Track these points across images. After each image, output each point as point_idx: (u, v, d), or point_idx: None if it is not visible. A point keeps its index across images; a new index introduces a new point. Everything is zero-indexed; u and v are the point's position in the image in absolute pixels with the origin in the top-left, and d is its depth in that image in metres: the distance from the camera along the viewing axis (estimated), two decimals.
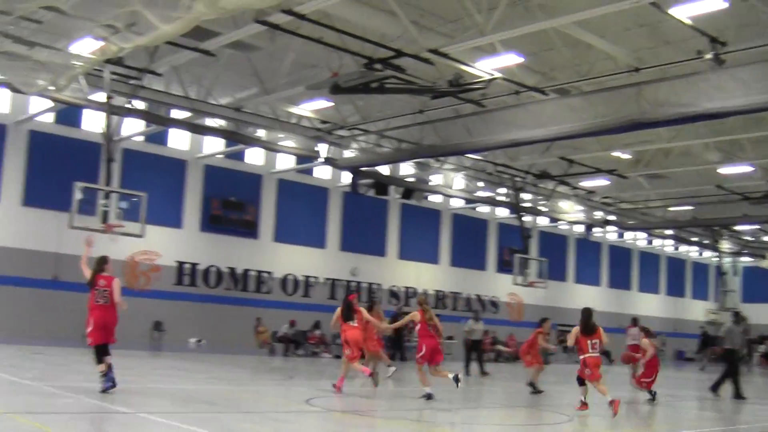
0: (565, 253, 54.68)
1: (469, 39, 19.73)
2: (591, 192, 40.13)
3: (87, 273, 15.10)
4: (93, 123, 27.83)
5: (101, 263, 15.22)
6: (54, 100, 27.56)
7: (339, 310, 18.13)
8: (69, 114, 33.01)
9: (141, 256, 35.48)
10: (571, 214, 44.42)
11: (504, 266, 48.67)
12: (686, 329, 60.74)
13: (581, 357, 16.43)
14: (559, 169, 34.69)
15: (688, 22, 18.47)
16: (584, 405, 16.30)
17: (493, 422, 15.64)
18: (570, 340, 16.67)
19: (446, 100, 25.16)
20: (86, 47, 19.48)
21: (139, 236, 25.45)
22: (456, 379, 16.74)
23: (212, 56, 23.43)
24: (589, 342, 16.37)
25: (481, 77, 22.16)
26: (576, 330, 16.58)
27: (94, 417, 11.94)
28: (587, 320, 16.72)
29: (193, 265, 37.40)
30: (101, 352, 14.44)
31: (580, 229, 49.56)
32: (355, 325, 17.98)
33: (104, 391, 14.02)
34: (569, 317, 52.01)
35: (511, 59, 21.13)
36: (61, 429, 10.19)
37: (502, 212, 48.57)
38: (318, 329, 34.96)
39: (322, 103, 27.29)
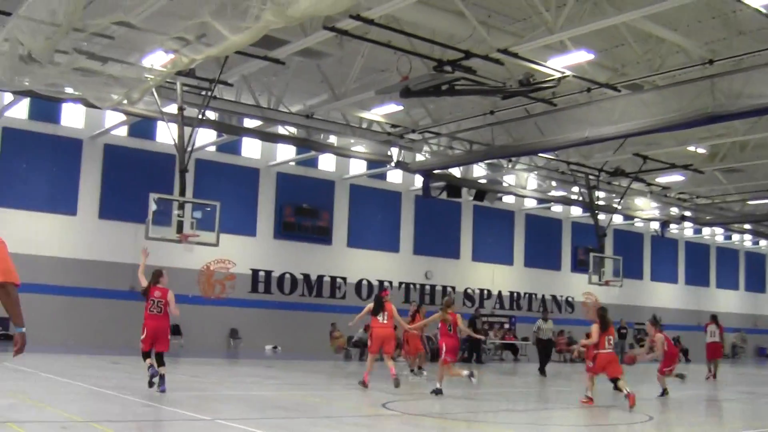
0: (641, 251, 53.92)
1: (538, 37, 19.56)
2: (666, 188, 39.56)
3: (143, 282, 16.18)
4: (166, 135, 28.18)
5: (157, 276, 16.19)
6: (127, 113, 28.00)
7: (370, 305, 19.16)
8: (142, 127, 33.58)
9: (216, 264, 35.90)
10: (646, 211, 43.83)
11: (579, 266, 48.18)
12: (767, 326, 59.56)
13: (596, 352, 17.33)
14: (633, 165, 34.23)
15: (764, 10, 18.08)
16: (589, 400, 17.12)
17: (570, 423, 15.49)
18: (594, 337, 17.30)
19: (517, 99, 24.99)
20: (158, 60, 19.72)
21: (214, 245, 25.68)
22: (471, 375, 17.79)
23: (282, 64, 23.57)
24: (606, 338, 17.19)
25: (551, 75, 21.96)
26: (597, 328, 17.32)
27: (171, 425, 12.07)
28: (604, 318, 17.52)
29: (268, 272, 37.70)
30: (147, 356, 15.70)
31: (655, 226, 48.72)
32: (384, 322, 18.78)
33: (151, 378, 15.27)
34: (646, 316, 51.31)
35: (581, 56, 20.88)
36: None
37: (576, 211, 48.17)
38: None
39: (393, 107, 27.28)
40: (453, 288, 43.50)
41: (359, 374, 23.95)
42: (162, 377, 15.43)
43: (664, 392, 19.72)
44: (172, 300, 15.99)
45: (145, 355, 15.72)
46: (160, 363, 15.60)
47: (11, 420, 10.95)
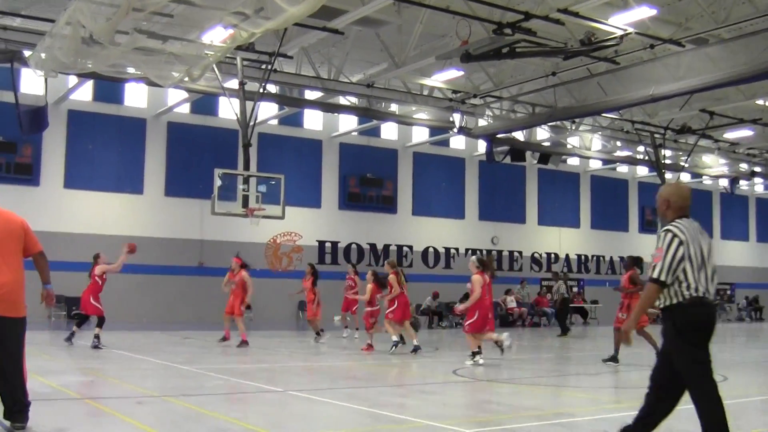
0: (710, 209, 52.99)
1: None
2: (734, 144, 38.83)
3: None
4: (228, 110, 28.33)
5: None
6: (189, 90, 28.22)
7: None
8: (204, 103, 33.82)
9: (282, 237, 36.11)
10: (714, 168, 43.14)
11: (646, 226, 47.64)
12: None
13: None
14: (700, 122, 33.65)
15: None
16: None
17: (644, 385, 15.31)
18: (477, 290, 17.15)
19: (579, 60, 24.67)
20: (217, 36, 19.73)
21: (280, 218, 25.78)
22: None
23: (341, 34, 23.52)
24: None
25: (613, 34, 21.61)
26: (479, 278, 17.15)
27: (244, 397, 12.17)
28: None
29: (334, 243, 37.83)
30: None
31: (724, 183, 47.99)
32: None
33: None
34: (718, 275, 50.58)
35: (643, 12, 20.44)
36: (214, 409, 10.40)
37: (642, 171, 47.54)
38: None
39: (454, 73, 27.06)
40: (520, 253, 43.27)
41: (428, 342, 23.99)
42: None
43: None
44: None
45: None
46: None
47: (89, 396, 11.13)
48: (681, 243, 6.66)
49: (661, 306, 6.80)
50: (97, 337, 19.11)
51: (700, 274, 6.68)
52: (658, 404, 6.95)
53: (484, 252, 41.22)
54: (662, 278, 6.62)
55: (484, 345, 17.21)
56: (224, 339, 21.63)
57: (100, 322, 19.53)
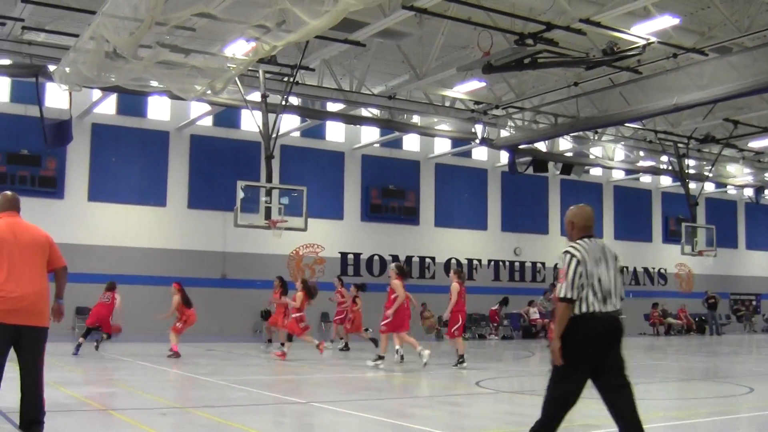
0: (735, 219, 52.60)
1: (621, 4, 19.17)
2: (759, 153, 38.53)
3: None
4: (250, 122, 28.45)
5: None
6: (212, 103, 28.32)
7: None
8: (227, 116, 33.93)
9: (305, 249, 36.16)
10: (739, 177, 42.84)
11: (670, 236, 47.30)
12: None
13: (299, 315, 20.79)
14: (723, 131, 33.47)
15: None
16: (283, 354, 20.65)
17: (670, 396, 15.24)
18: (297, 302, 20.97)
19: (601, 69, 24.57)
20: (239, 49, 19.83)
21: (303, 230, 25.83)
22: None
23: (362, 46, 23.56)
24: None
25: (636, 43, 21.52)
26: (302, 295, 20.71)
27: (268, 408, 12.18)
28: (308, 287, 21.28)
29: (357, 255, 37.82)
30: None
31: (749, 192, 47.65)
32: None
33: None
34: (743, 285, 50.39)
35: (666, 21, 20.39)
36: (237, 421, 10.41)
37: (666, 181, 47.24)
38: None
39: (475, 84, 27.05)
40: (543, 264, 43.13)
41: (451, 354, 23.94)
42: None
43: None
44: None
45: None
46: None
47: (112, 408, 11.17)
48: (579, 262, 7.24)
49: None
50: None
51: (600, 290, 7.24)
52: (614, 409, 7.50)
53: (505, 262, 41.20)
54: (569, 296, 7.15)
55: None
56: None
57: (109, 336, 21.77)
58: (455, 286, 19.62)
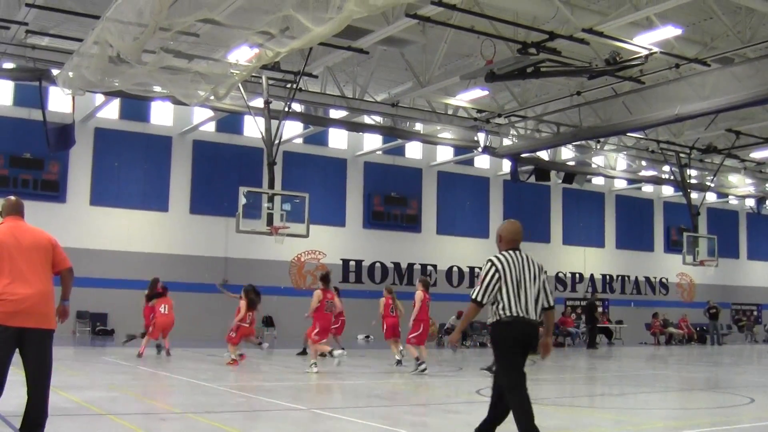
0: (737, 229, 52.60)
1: (623, 15, 19.22)
2: (761, 163, 38.58)
3: None
4: (253, 129, 28.49)
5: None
6: (215, 109, 28.40)
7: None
8: (230, 121, 34.03)
9: (307, 255, 36.19)
10: (740, 187, 42.80)
11: (672, 246, 47.29)
12: None
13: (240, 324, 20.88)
14: (726, 141, 33.51)
15: None
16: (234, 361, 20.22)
17: (670, 406, 15.23)
18: (242, 313, 20.89)
19: (604, 79, 24.63)
20: (243, 55, 19.88)
21: (304, 236, 25.85)
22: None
23: (366, 54, 23.63)
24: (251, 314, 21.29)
25: (638, 53, 21.58)
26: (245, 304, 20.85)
27: (267, 414, 12.18)
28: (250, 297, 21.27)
29: (358, 262, 37.85)
30: None
31: (751, 203, 47.62)
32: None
33: None
34: (744, 295, 50.33)
35: (668, 32, 20.43)
36: (237, 427, 10.42)
37: (668, 190, 47.26)
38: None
39: (478, 92, 27.10)
40: (545, 272, 43.11)
41: (452, 361, 23.95)
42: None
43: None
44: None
45: None
46: None
47: (112, 412, 11.17)
48: (497, 271, 7.99)
49: (488, 323, 8.15)
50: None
51: (518, 297, 7.95)
52: (495, 409, 8.23)
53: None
54: (478, 299, 7.96)
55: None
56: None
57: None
58: (419, 294, 20.08)
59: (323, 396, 15.18)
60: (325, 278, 19.65)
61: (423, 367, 18.67)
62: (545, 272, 8.29)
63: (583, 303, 39.92)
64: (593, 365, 25.61)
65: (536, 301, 8.05)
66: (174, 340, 23.69)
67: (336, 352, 18.72)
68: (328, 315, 19.12)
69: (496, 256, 8.17)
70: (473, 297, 7.97)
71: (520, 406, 7.88)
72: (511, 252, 8.21)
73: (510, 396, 7.95)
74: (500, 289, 7.96)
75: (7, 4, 21.59)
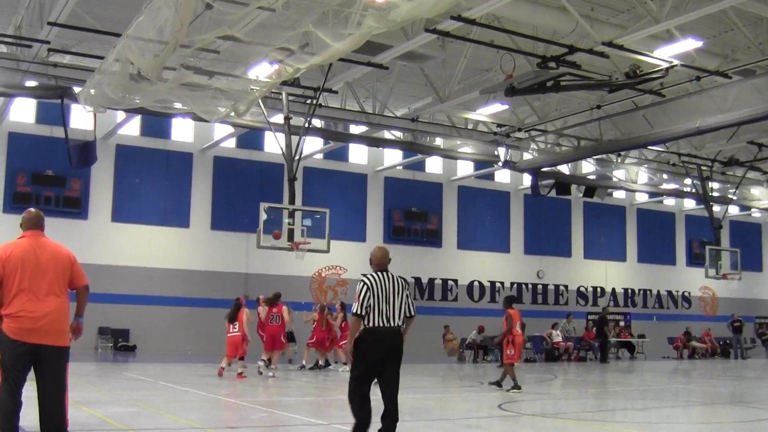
0: (760, 242, 52.28)
1: (643, 28, 19.18)
2: None
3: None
4: (273, 145, 28.56)
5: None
6: (235, 125, 28.45)
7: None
8: (250, 138, 34.15)
9: (327, 271, 36.22)
10: (763, 200, 42.61)
11: (694, 260, 46.99)
12: None
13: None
14: (748, 154, 33.35)
15: None
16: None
17: (693, 420, 15.12)
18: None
19: (624, 92, 24.58)
20: (263, 71, 19.91)
21: (325, 252, 25.84)
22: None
23: (385, 69, 23.66)
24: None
25: (659, 66, 21.51)
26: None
27: (287, 430, 12.17)
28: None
29: None
30: None
31: None
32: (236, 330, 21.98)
33: None
34: (765, 309, 49.94)
35: (689, 44, 20.36)
36: None
37: (690, 204, 47.00)
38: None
39: (498, 107, 27.04)
40: (566, 287, 43.01)
41: (473, 376, 23.88)
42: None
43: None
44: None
45: None
46: None
47: (134, 428, 11.19)
48: (368, 288, 9.50)
49: (358, 333, 9.52)
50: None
51: (382, 310, 9.48)
52: (383, 395, 9.68)
53: (528, 285, 41.20)
54: (358, 312, 9.44)
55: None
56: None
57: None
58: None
59: (344, 411, 15.11)
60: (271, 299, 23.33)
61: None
62: (408, 287, 10.03)
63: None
64: (616, 379, 25.46)
65: (401, 311, 9.62)
66: (195, 356, 23.71)
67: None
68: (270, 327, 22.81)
69: (367, 276, 9.67)
70: (354, 311, 9.45)
71: (354, 405, 9.63)
72: (379, 273, 9.78)
73: (348, 397, 9.69)
74: (370, 303, 9.45)
75: (30, 23, 21.76)
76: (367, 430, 9.52)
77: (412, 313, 9.87)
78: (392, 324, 9.54)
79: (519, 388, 18.16)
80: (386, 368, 9.57)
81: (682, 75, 23.26)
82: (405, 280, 10.03)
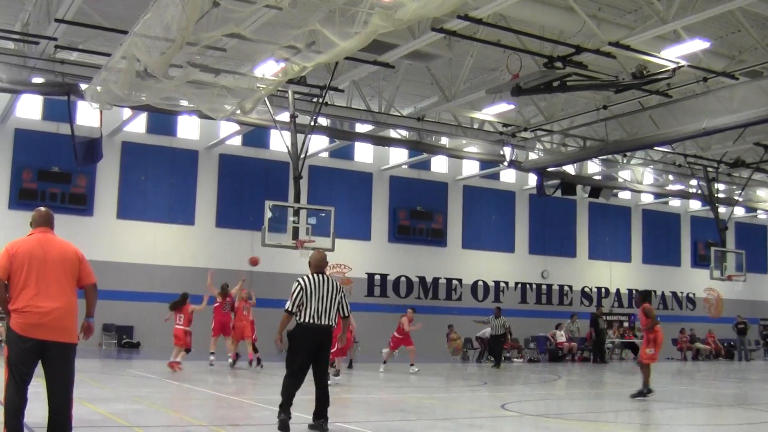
0: (766, 244, 52.09)
1: (650, 28, 19.13)
2: None
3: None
4: (279, 143, 28.57)
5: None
6: (241, 123, 28.46)
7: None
8: (256, 136, 34.10)
9: (332, 269, 36.16)
10: None
11: (699, 261, 46.92)
12: None
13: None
14: (754, 155, 33.27)
15: None
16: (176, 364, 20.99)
17: (697, 422, 15.11)
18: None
19: (630, 93, 24.56)
20: (269, 70, 19.94)
21: (330, 250, 25.80)
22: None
23: (391, 68, 23.63)
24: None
25: (665, 66, 21.45)
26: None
27: (293, 427, 12.14)
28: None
29: (383, 276, 37.80)
30: None
31: None
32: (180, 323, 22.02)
33: None
34: None
35: (696, 45, 20.32)
36: None
37: (695, 205, 46.94)
38: (510, 334, 34.58)
39: (504, 106, 26.99)
40: (570, 287, 42.95)
41: (478, 375, 23.88)
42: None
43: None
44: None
45: None
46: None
47: (138, 425, 11.20)
48: (301, 288, 10.61)
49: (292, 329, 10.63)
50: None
51: (314, 308, 10.56)
52: (316, 387, 11.07)
53: (533, 285, 41.21)
54: (288, 308, 10.65)
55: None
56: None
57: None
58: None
59: (348, 410, 15.14)
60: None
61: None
62: (342, 290, 11.03)
63: (609, 318, 39.71)
64: (619, 380, 25.44)
65: (335, 310, 10.77)
66: (198, 354, 23.75)
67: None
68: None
69: (302, 278, 10.74)
70: (286, 308, 10.62)
71: (286, 391, 10.74)
72: (315, 275, 10.80)
73: (286, 382, 10.75)
74: (302, 301, 10.54)
75: (37, 20, 21.80)
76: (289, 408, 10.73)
77: (347, 314, 11.04)
78: (323, 322, 10.61)
79: (651, 391, 17.23)
80: (319, 359, 10.79)
81: (688, 76, 23.23)
82: (339, 283, 11.12)
